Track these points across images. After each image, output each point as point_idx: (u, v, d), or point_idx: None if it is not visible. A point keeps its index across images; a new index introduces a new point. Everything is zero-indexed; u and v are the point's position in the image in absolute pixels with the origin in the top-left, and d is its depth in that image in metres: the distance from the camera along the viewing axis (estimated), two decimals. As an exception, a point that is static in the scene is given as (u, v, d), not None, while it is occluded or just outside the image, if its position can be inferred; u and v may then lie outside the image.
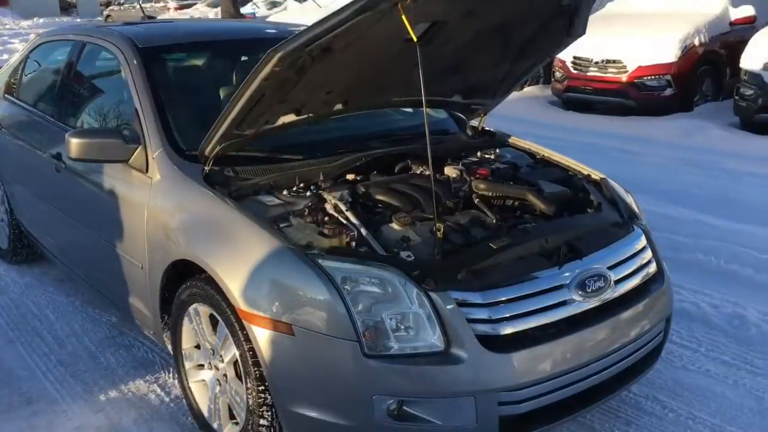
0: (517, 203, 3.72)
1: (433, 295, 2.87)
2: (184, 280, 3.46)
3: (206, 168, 3.51)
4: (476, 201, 3.64)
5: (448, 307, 2.86)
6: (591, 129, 9.98)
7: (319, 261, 2.92)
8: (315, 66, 3.16)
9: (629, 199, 3.92)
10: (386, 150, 3.94)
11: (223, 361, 3.31)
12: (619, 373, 3.26)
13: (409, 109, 4.55)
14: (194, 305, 3.42)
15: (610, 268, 3.25)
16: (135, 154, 3.80)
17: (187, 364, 3.60)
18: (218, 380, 3.40)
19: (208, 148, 3.45)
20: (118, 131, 3.88)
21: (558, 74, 11.83)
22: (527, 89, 13.03)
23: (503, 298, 2.95)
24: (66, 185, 4.51)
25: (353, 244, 3.14)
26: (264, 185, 3.54)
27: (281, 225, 3.23)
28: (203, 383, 3.53)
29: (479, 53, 3.81)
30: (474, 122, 4.66)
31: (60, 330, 4.64)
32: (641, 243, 3.51)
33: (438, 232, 3.23)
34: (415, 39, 3.00)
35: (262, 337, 2.99)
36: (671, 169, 7.99)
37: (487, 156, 4.22)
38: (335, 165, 3.76)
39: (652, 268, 3.51)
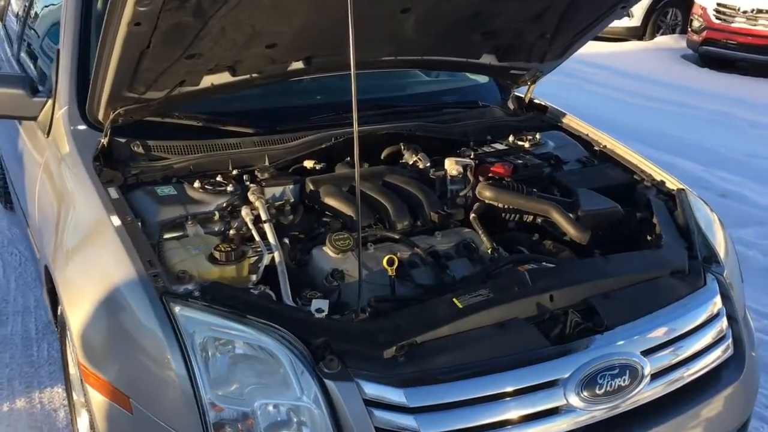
0: (539, 221, 2.58)
1: (330, 384, 1.82)
2: None
3: (103, 140, 2.56)
4: (472, 216, 2.51)
5: (352, 406, 1.81)
6: (724, 93, 8.27)
7: (174, 308, 1.93)
8: (219, 6, 2.11)
9: (716, 231, 2.66)
10: (364, 129, 2.85)
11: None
12: None
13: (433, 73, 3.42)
14: (66, 328, 2.53)
15: (647, 352, 2.07)
16: (43, 110, 2.90)
17: (74, 395, 2.74)
18: None
19: (100, 114, 2.50)
20: (22, 79, 2.97)
21: (696, 23, 10.03)
22: (659, 39, 11.25)
23: (447, 401, 1.85)
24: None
25: (253, 278, 2.13)
26: (179, 170, 2.57)
27: (168, 236, 2.26)
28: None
29: None
30: (521, 92, 3.45)
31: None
32: (712, 308, 2.28)
33: (390, 269, 2.17)
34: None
35: (99, 405, 2.07)
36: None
37: (519, 143, 3.04)
38: (290, 146, 2.72)
39: (725, 348, 2.28)
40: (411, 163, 2.80)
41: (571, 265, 2.31)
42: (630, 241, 2.57)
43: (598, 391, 1.95)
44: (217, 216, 2.37)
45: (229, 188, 2.47)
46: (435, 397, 1.83)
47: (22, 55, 3.90)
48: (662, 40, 11.22)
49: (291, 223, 2.47)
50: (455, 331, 1.97)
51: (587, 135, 3.20)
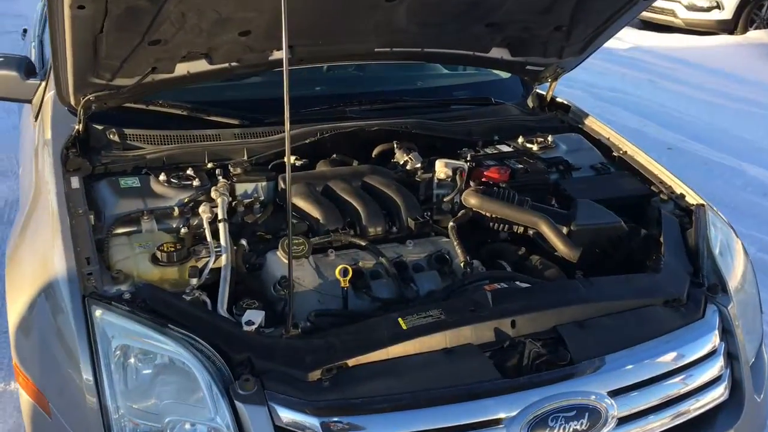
0: (531, 234, 2.35)
1: (241, 407, 1.66)
2: None
3: (78, 126, 2.48)
4: (450, 225, 2.31)
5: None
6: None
7: (95, 311, 1.81)
8: None
9: (735, 256, 2.36)
10: (356, 124, 2.67)
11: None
12: None
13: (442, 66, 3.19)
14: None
15: (617, 393, 1.82)
16: (36, 93, 2.86)
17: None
18: None
19: (71, 100, 2.41)
20: (18, 60, 2.92)
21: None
22: (751, 33, 10.49)
23: (367, 435, 1.67)
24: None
25: (193, 281, 2.00)
26: (152, 161, 2.46)
27: (119, 231, 2.16)
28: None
29: None
30: (543, 89, 3.20)
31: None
32: (706, 344, 2.00)
33: (343, 280, 2.00)
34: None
35: (25, 405, 1.99)
36: None
37: (528, 145, 2.79)
38: (271, 140, 2.58)
39: (719, 392, 2.00)
40: (402, 162, 2.61)
41: (544, 288, 2.07)
42: (631, 261, 2.31)
43: (549, 436, 1.72)
44: (176, 212, 2.25)
45: (195, 183, 2.35)
46: (353, 430, 1.65)
47: (45, 35, 3.90)
48: (755, 35, 10.45)
49: (256, 222, 2.33)
50: (394, 355, 1.78)
51: (608, 139, 2.92)
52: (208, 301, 1.94)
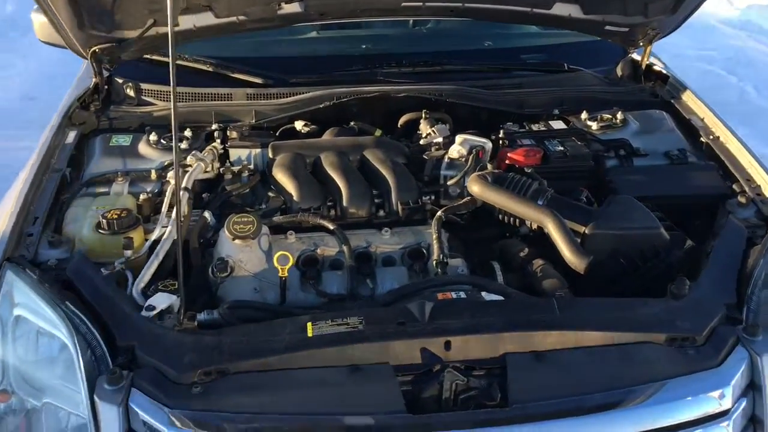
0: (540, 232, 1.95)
1: (101, 405, 1.49)
2: None
3: (94, 78, 2.43)
4: (438, 214, 1.96)
5: (110, 434, 1.47)
6: None
7: (7, 274, 1.71)
8: None
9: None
10: (382, 89, 2.37)
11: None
12: None
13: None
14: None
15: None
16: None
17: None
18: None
19: (82, 52, 2.35)
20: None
21: None
22: None
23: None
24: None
25: (128, 253, 1.85)
26: (157, 119, 2.37)
27: (89, 191, 2.07)
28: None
29: None
30: (636, 55, 2.66)
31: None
32: (710, 404, 1.50)
33: (281, 269, 1.78)
34: None
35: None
36: None
37: (590, 122, 2.33)
38: (281, 104, 2.37)
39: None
40: (424, 135, 2.28)
41: (505, 305, 1.67)
42: (669, 278, 1.82)
43: None
44: (153, 175, 2.12)
45: (183, 145, 2.20)
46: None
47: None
48: None
49: (235, 191, 2.12)
50: (288, 365, 1.52)
51: (702, 120, 2.36)
52: (130, 277, 1.79)
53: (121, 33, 2.26)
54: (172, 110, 1.47)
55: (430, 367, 1.52)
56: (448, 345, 1.53)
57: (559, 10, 2.36)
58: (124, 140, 2.25)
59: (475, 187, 1.98)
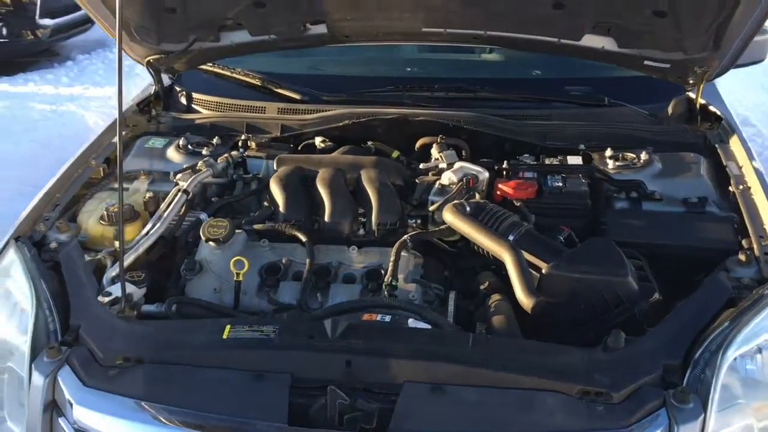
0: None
1: (34, 374, 1.65)
2: None
3: (155, 86, 2.68)
4: (405, 239, 1.97)
5: (33, 403, 1.63)
6: None
7: (9, 250, 1.93)
8: None
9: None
10: (400, 112, 2.40)
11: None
12: None
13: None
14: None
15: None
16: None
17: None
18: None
19: (141, 61, 2.60)
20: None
21: None
22: None
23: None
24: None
25: (116, 244, 2.03)
26: (199, 126, 2.56)
27: (111, 185, 2.29)
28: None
29: None
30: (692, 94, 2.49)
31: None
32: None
33: (236, 273, 1.88)
34: None
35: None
36: None
37: (610, 160, 2.22)
38: (306, 119, 2.48)
39: None
40: (433, 159, 2.28)
41: (417, 333, 1.64)
42: (629, 330, 1.70)
43: None
44: (172, 176, 2.29)
45: (204, 152, 2.36)
46: (101, 426, 1.54)
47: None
48: None
49: (234, 197, 2.26)
50: (201, 363, 1.60)
51: (740, 168, 2.16)
52: (108, 265, 1.96)
53: (167, 46, 2.47)
54: (118, 120, 1.61)
55: (325, 384, 1.54)
56: (348, 364, 1.54)
57: (591, 42, 2.27)
58: (159, 143, 2.45)
59: (447, 216, 1.97)
